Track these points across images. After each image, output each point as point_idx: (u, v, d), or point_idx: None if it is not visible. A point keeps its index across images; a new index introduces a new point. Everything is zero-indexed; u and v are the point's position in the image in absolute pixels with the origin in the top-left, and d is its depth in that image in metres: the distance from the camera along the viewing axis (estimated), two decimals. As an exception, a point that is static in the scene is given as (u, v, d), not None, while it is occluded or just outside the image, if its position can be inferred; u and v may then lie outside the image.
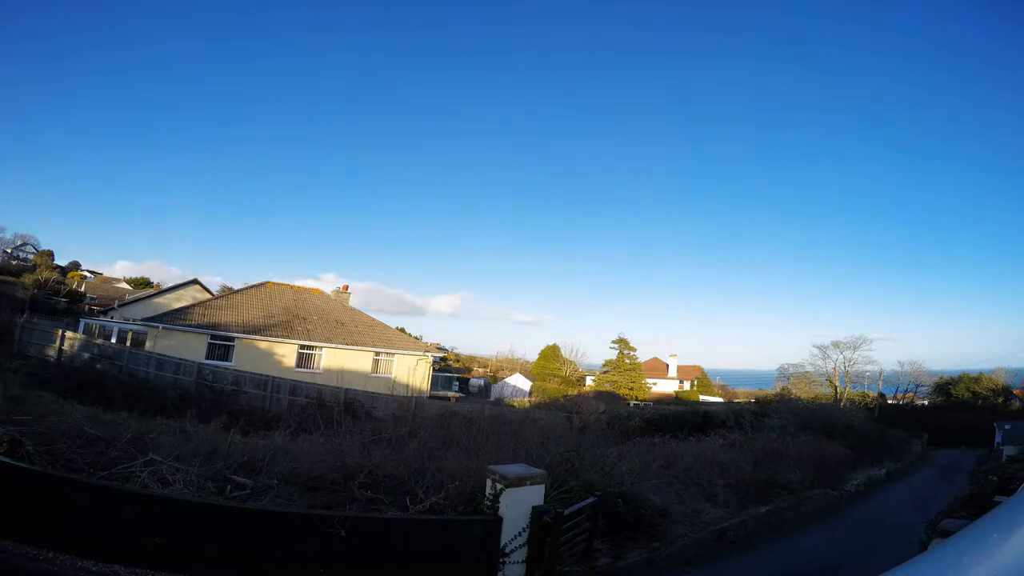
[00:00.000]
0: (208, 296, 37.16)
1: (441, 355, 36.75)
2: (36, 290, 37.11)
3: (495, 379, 55.24)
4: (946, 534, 4.35)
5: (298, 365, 25.21)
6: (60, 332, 21.27)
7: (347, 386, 19.52)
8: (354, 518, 5.54)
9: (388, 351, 28.10)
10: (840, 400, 41.29)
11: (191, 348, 22.65)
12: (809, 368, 56.82)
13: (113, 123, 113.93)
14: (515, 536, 6.06)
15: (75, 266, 65.50)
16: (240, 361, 23.36)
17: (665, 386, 63.26)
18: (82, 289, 51.62)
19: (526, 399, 42.50)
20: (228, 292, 40.53)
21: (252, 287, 29.36)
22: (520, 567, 6.08)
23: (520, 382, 49.81)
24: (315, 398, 19.93)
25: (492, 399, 42.63)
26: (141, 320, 25.48)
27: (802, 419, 19.34)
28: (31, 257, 60.22)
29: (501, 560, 5.96)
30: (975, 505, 7.19)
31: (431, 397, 27.58)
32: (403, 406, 17.46)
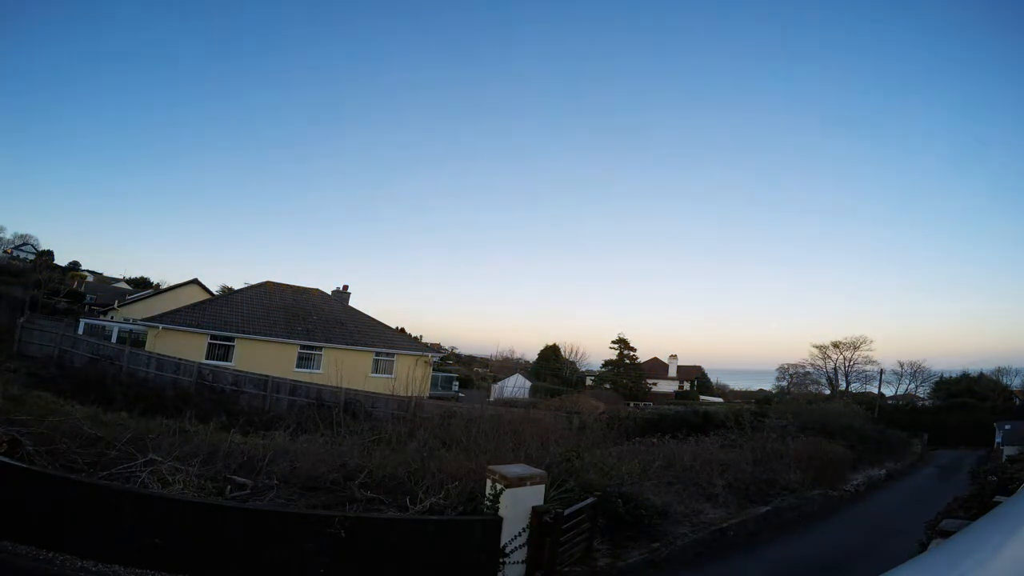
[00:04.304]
0: (208, 296, 37.22)
1: (441, 355, 36.73)
2: (36, 290, 37.09)
3: (495, 379, 55.29)
4: (946, 534, 4.35)
5: (298, 365, 25.20)
6: (60, 332, 21.29)
7: (347, 386, 19.45)
8: (354, 518, 5.55)
9: (388, 351, 28.09)
10: (840, 399, 41.30)
11: (191, 348, 22.64)
12: (809, 368, 57.14)
13: (112, 122, 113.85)
14: (515, 536, 6.06)
15: (75, 266, 65.74)
16: (240, 361, 23.35)
17: (665, 386, 63.36)
18: (82, 289, 51.67)
19: (526, 399, 42.50)
20: (228, 292, 40.60)
21: (252, 287, 29.35)
22: (520, 567, 6.08)
23: (520, 382, 49.81)
24: (315, 398, 19.94)
25: (492, 399, 42.62)
26: (141, 320, 25.48)
27: (802, 419, 19.34)
28: (31, 257, 60.30)
29: (501, 560, 5.96)
30: (975, 505, 7.18)
31: (431, 397, 27.54)
32: (403, 406, 17.42)
